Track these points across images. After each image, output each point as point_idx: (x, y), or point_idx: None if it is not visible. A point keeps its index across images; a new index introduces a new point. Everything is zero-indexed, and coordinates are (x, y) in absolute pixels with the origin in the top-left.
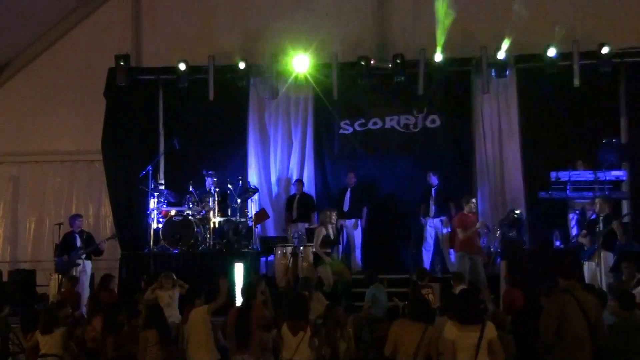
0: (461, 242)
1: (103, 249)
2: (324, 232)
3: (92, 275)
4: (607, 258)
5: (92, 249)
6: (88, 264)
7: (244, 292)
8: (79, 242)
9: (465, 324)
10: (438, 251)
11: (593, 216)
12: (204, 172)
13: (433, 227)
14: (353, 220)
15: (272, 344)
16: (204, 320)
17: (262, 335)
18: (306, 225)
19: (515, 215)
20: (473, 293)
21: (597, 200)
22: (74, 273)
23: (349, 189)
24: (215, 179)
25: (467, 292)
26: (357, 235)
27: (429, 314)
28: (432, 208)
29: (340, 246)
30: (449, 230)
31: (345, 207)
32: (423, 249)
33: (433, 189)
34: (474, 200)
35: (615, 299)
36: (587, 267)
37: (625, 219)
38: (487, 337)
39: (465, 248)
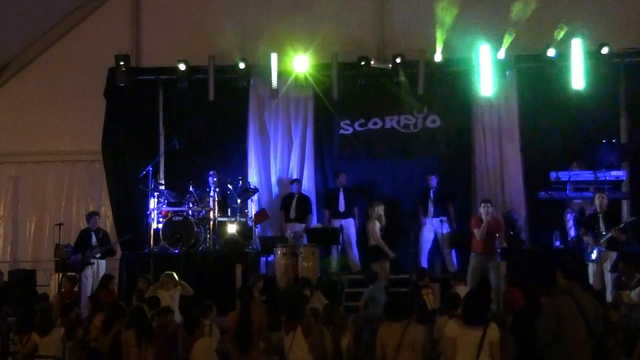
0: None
1: (116, 250)
2: (378, 225)
3: None
4: (613, 258)
5: (106, 249)
6: (103, 263)
7: (241, 294)
8: (94, 241)
9: (468, 323)
10: (437, 251)
11: (590, 211)
12: (211, 173)
13: (432, 227)
14: (349, 220)
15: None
16: (210, 355)
17: (268, 335)
18: (302, 225)
19: (511, 214)
20: (481, 294)
21: (597, 195)
22: (89, 272)
23: (341, 189)
24: (215, 179)
25: (474, 292)
26: (353, 235)
27: (405, 311)
28: (431, 208)
29: (340, 246)
30: (449, 230)
31: (341, 208)
32: (422, 248)
33: (432, 191)
34: (483, 203)
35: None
36: (591, 267)
37: (624, 225)
38: (489, 338)
39: (474, 249)
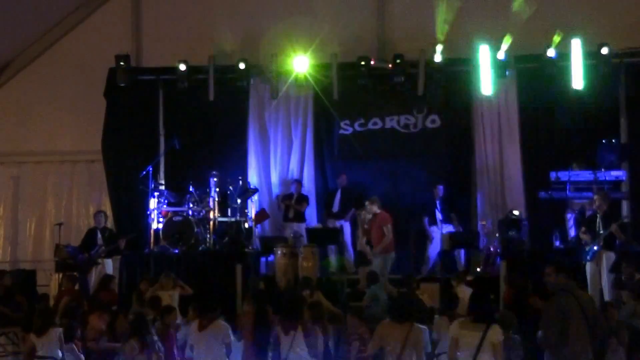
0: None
1: (122, 248)
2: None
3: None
4: (610, 258)
5: (112, 248)
6: (109, 262)
7: (257, 298)
8: (99, 239)
9: (473, 321)
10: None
11: (590, 212)
12: (214, 173)
13: (439, 234)
14: (343, 221)
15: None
16: (225, 338)
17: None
18: (301, 225)
19: (514, 217)
20: (485, 295)
21: (595, 196)
22: (95, 272)
23: (339, 190)
24: (216, 180)
25: (478, 293)
26: (348, 235)
27: (410, 312)
28: (439, 218)
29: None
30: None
31: (335, 208)
32: (429, 251)
33: (438, 201)
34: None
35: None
36: (589, 267)
37: (624, 220)
38: (489, 339)
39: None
